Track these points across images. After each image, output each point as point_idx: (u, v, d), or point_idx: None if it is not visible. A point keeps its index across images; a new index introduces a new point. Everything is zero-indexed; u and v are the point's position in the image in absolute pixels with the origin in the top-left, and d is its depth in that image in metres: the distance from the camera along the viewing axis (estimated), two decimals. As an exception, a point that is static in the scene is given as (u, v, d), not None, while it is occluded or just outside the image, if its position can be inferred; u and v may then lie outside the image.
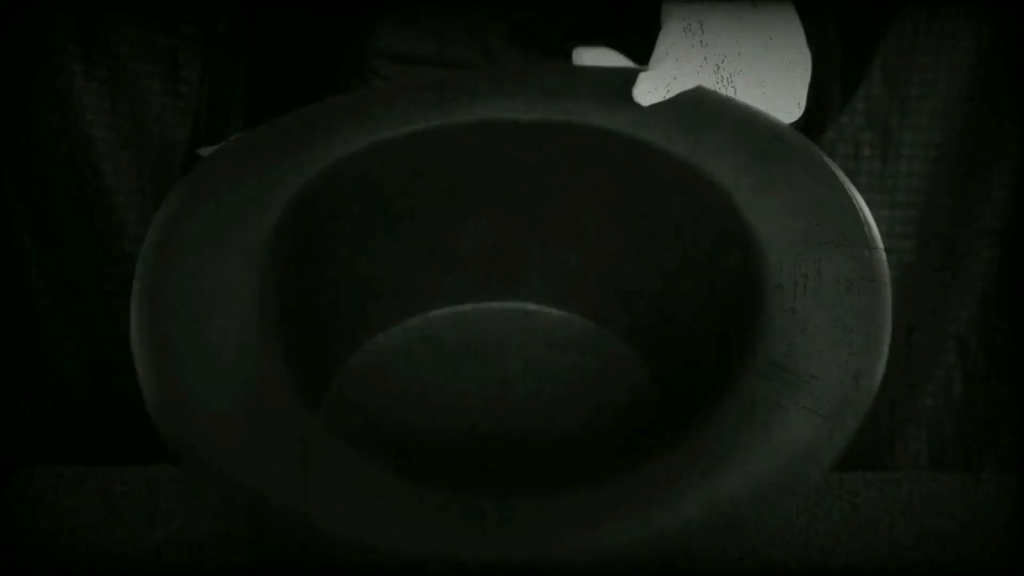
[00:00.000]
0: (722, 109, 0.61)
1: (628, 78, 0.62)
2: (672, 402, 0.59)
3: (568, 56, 0.69)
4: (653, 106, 0.61)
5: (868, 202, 1.25)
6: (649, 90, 0.61)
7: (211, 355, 0.50)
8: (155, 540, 0.63)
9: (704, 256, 0.59)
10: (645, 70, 0.62)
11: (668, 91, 0.62)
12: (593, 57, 0.65)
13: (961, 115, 1.21)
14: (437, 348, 0.64)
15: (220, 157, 0.59)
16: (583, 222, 0.63)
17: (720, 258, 0.57)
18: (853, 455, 1.33)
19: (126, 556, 0.62)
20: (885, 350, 0.53)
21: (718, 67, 0.62)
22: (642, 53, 0.64)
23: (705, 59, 0.62)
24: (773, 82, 0.63)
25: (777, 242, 0.54)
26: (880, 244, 0.55)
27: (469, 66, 0.77)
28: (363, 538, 0.44)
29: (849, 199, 0.56)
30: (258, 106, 0.83)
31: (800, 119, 0.65)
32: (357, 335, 0.64)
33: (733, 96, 0.63)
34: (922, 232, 1.24)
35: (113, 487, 0.68)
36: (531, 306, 0.66)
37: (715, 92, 0.62)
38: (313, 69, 0.80)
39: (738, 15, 0.63)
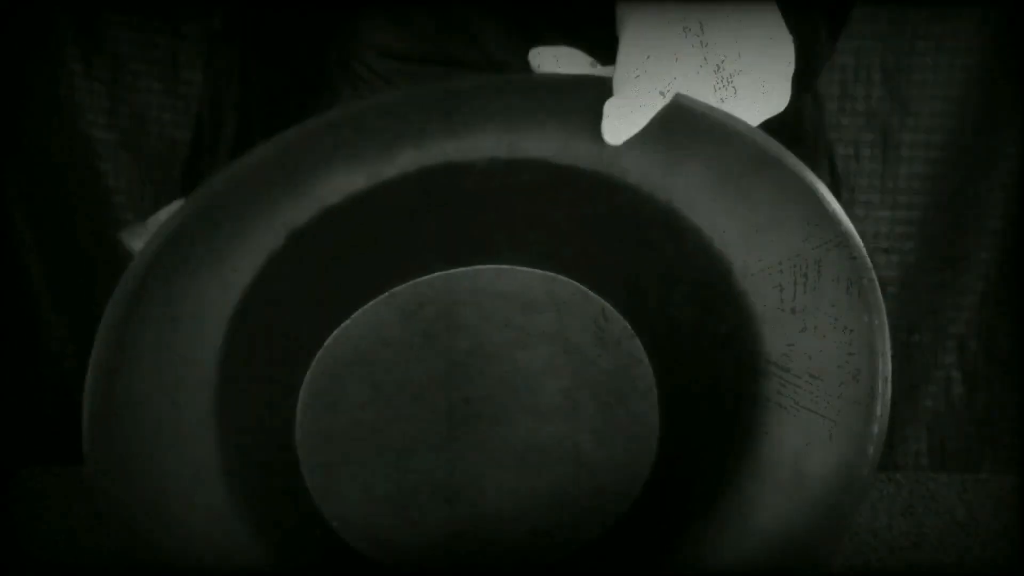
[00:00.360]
0: (697, 131, 0.59)
1: (598, 95, 0.59)
2: (663, 380, 0.58)
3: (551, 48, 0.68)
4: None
5: (868, 203, 1.25)
6: (617, 128, 0.59)
7: (178, 526, 0.52)
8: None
9: (690, 288, 0.57)
10: (608, 75, 0.60)
11: (667, 91, 0.62)
12: (553, 59, 0.63)
13: (961, 116, 1.21)
14: (413, 325, 0.61)
15: (152, 265, 0.57)
16: (555, 222, 0.61)
17: (708, 310, 0.56)
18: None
19: (126, 556, 0.62)
20: (887, 349, 0.52)
21: (718, 67, 0.62)
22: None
23: (705, 59, 0.62)
24: (772, 82, 0.63)
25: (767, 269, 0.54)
26: (864, 254, 0.53)
27: (461, 62, 0.76)
28: None
29: (832, 219, 0.54)
30: (251, 103, 0.83)
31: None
32: (327, 326, 0.61)
33: (733, 96, 0.62)
34: (922, 232, 1.24)
35: (113, 487, 0.67)
36: (503, 267, 0.62)
37: (690, 103, 0.60)
38: (304, 65, 0.80)
39: (738, 15, 0.63)
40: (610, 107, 0.59)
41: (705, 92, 0.62)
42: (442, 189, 0.59)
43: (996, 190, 1.23)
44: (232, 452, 0.54)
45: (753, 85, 0.63)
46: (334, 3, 0.79)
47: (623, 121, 0.59)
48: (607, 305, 0.59)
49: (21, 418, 1.27)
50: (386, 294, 0.61)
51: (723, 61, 0.62)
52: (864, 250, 0.53)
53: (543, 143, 0.58)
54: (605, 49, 0.69)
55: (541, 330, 0.59)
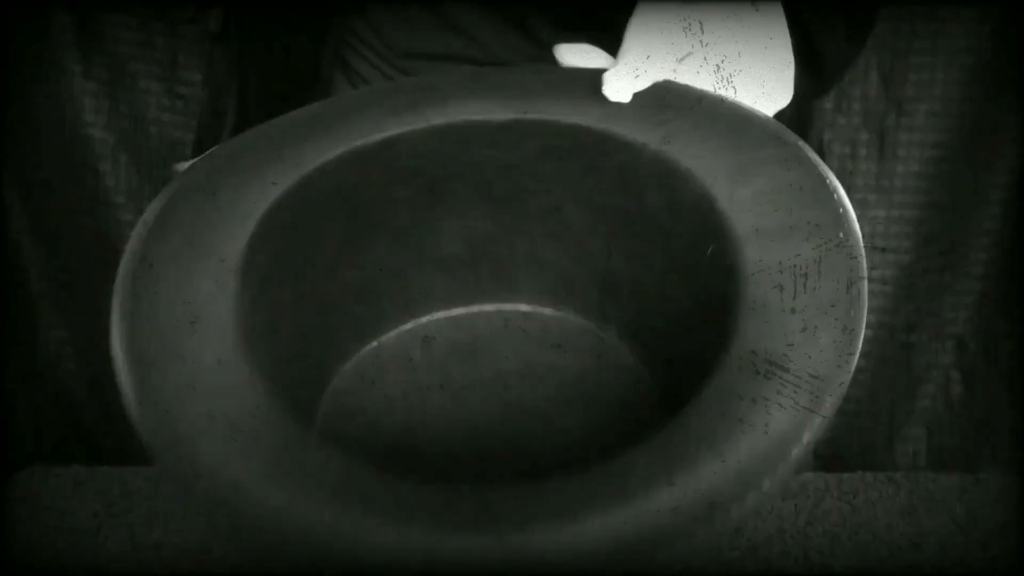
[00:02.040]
0: (693, 102, 0.61)
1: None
2: (670, 398, 0.60)
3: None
4: (628, 102, 0.61)
5: (865, 202, 1.25)
6: (617, 87, 0.61)
7: (189, 363, 0.50)
8: (155, 540, 0.63)
9: (685, 251, 0.59)
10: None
11: (641, 22, 0.62)
12: (575, 55, 0.65)
13: (958, 115, 1.21)
14: (434, 350, 0.64)
15: (193, 173, 0.59)
16: (566, 218, 0.64)
17: (700, 253, 0.58)
18: (853, 455, 1.33)
19: (126, 556, 0.62)
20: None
21: (718, 67, 0.62)
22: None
23: (705, 59, 0.62)
24: (773, 82, 0.63)
25: (768, 237, 0.55)
26: (856, 230, 0.55)
27: (459, 58, 0.77)
28: (337, 531, 0.44)
29: (825, 183, 0.57)
30: (248, 104, 0.83)
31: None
32: (352, 341, 0.64)
33: (733, 96, 0.63)
34: (920, 232, 1.24)
35: (113, 487, 0.68)
36: (524, 307, 0.66)
37: (684, 85, 0.62)
38: (301, 63, 0.81)
39: (738, 15, 0.63)
40: (609, 73, 0.61)
41: (679, 21, 0.63)
42: (457, 144, 0.61)
43: (995, 190, 1.23)
44: (258, 351, 0.54)
45: (753, 84, 0.63)
46: (331, 1, 0.79)
47: (624, 80, 0.61)
48: (619, 341, 0.64)
49: (21, 418, 1.27)
50: (412, 322, 0.65)
51: (723, 61, 0.62)
52: (863, 249, 0.54)
53: (552, 104, 0.62)
54: (601, 45, 0.70)
55: (557, 365, 0.63)
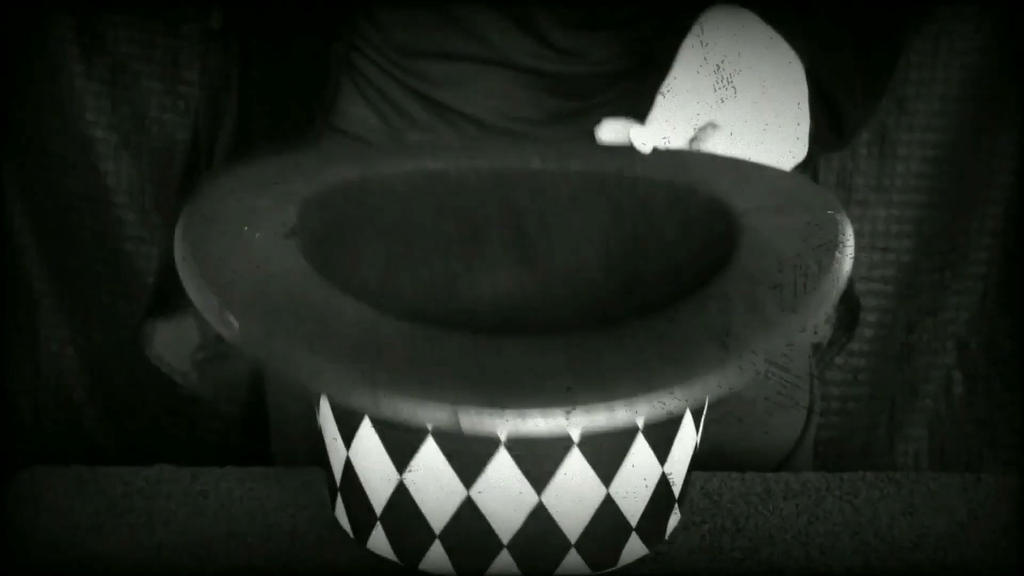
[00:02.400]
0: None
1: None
2: None
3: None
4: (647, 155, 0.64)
5: (865, 202, 1.25)
6: (643, 139, 0.64)
7: (239, 240, 0.54)
8: (155, 540, 0.63)
9: (691, 259, 0.60)
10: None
11: (670, 90, 0.62)
12: (615, 130, 0.66)
13: (958, 115, 1.21)
14: None
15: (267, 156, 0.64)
16: (587, 271, 0.66)
17: (703, 257, 0.59)
18: (853, 455, 1.32)
19: (126, 556, 0.62)
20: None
21: (718, 67, 0.62)
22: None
23: (705, 59, 0.62)
24: (773, 82, 0.63)
25: (774, 239, 0.55)
26: (840, 209, 0.57)
27: (462, 56, 0.77)
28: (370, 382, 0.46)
29: (821, 188, 0.59)
30: (252, 101, 0.83)
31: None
32: None
33: (733, 96, 0.63)
34: (921, 232, 1.24)
35: (113, 487, 0.67)
36: None
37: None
38: (305, 61, 0.80)
39: (738, 16, 0.63)
40: (638, 128, 0.64)
41: (705, 92, 0.63)
42: (500, 187, 0.66)
43: (995, 190, 1.23)
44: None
45: (753, 85, 0.63)
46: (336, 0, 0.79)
47: (649, 135, 0.63)
48: None
49: (21, 418, 1.27)
50: None
51: (723, 61, 0.62)
52: (852, 250, 0.55)
53: (582, 156, 0.67)
54: (605, 42, 0.71)
55: None
